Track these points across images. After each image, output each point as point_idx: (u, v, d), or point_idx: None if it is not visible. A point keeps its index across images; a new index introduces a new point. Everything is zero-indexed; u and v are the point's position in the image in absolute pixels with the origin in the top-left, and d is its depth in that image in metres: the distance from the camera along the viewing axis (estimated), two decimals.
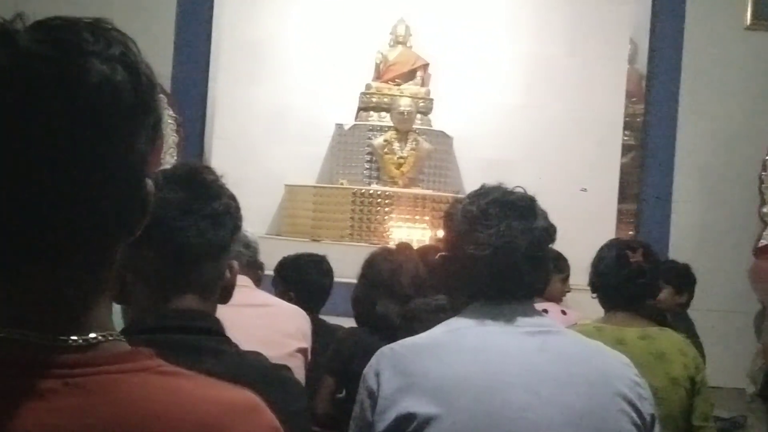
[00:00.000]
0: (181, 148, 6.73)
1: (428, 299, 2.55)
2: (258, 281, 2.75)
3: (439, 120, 8.16)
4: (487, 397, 1.47)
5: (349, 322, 3.22)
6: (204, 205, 1.29)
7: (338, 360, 2.90)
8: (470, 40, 8.22)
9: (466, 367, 1.50)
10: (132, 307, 1.28)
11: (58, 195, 0.72)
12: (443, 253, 1.67)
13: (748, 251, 6.48)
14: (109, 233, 0.75)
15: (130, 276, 1.21)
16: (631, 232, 7.20)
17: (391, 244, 6.02)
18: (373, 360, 1.55)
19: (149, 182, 0.77)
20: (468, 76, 8.20)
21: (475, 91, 8.16)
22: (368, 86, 8.20)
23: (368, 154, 7.91)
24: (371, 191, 7.55)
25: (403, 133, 7.80)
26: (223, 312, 1.39)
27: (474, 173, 7.08)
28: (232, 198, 1.36)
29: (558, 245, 1.75)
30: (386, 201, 7.47)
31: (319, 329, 2.94)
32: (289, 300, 3.01)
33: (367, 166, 7.92)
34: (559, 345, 1.57)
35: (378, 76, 8.28)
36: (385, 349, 1.56)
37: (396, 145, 7.79)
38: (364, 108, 8.17)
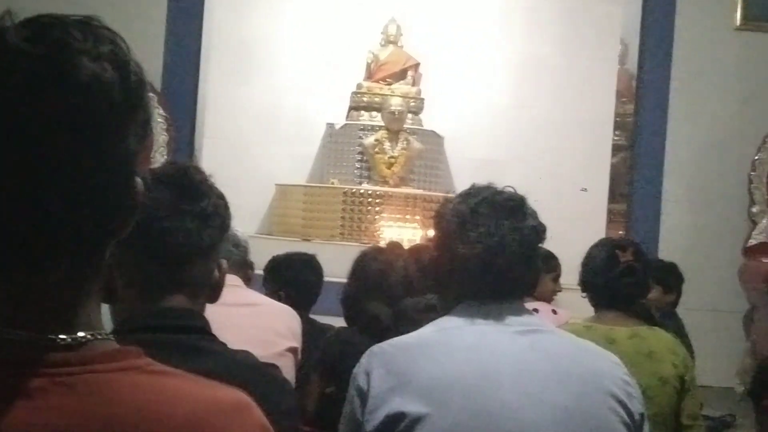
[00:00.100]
0: (172, 147, 6.71)
1: (418, 298, 2.56)
2: (248, 280, 2.74)
3: (429, 120, 8.17)
4: (478, 397, 1.47)
5: (339, 322, 3.22)
6: (192, 205, 1.29)
7: (327, 360, 2.90)
8: (461, 40, 8.23)
9: (456, 367, 1.50)
10: (120, 306, 1.28)
11: (47, 194, 0.71)
12: (433, 253, 1.67)
13: (737, 251, 6.51)
14: (98, 232, 0.75)
15: (119, 275, 1.20)
16: (621, 232, 7.22)
17: (382, 244, 6.03)
18: (363, 359, 1.55)
19: (139, 181, 0.77)
20: (459, 75, 8.21)
21: (466, 91, 8.17)
22: (359, 86, 8.20)
23: (359, 153, 7.91)
24: (362, 191, 7.55)
25: (394, 132, 7.80)
26: (213, 311, 1.39)
27: (465, 173, 7.08)
28: (221, 197, 1.36)
29: (548, 245, 1.76)
30: (377, 200, 7.48)
31: (310, 328, 2.94)
32: (279, 299, 3.01)
33: (357, 165, 7.92)
34: (549, 344, 1.57)
35: (369, 75, 8.28)
36: (375, 348, 1.56)
37: (387, 145, 7.80)
38: (355, 107, 8.17)
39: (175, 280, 1.30)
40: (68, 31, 0.73)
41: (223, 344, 1.33)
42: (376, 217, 7.43)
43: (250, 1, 8.11)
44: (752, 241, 6.53)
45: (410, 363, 1.51)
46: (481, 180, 1.69)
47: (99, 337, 0.75)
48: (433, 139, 8.10)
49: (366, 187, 7.66)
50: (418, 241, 6.25)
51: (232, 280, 2.34)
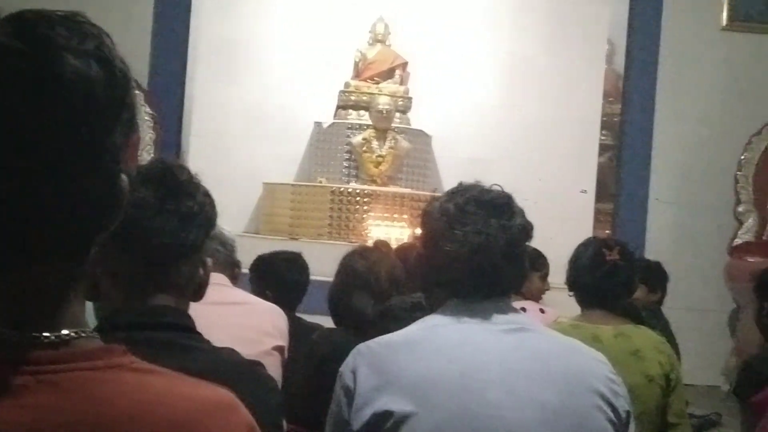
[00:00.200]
0: (159, 145, 6.69)
1: (405, 297, 2.56)
2: (235, 279, 2.74)
3: (417, 119, 8.17)
4: (464, 395, 1.47)
5: (327, 321, 3.22)
6: (177, 205, 1.29)
7: (314, 360, 2.89)
8: (449, 40, 8.24)
9: (443, 365, 1.50)
10: (105, 304, 1.27)
11: (31, 192, 0.71)
12: (420, 251, 1.67)
13: (723, 250, 6.54)
14: (83, 229, 0.75)
15: (103, 273, 1.20)
16: (608, 231, 7.25)
17: (369, 242, 6.03)
18: (350, 358, 1.55)
19: (124, 178, 0.77)
20: (447, 75, 8.22)
21: (454, 90, 8.19)
22: (347, 84, 8.20)
23: (347, 152, 7.91)
24: (350, 189, 7.55)
25: (381, 131, 7.80)
26: (199, 310, 1.38)
27: (452, 172, 7.09)
28: (207, 195, 1.35)
29: (536, 244, 1.76)
30: (365, 199, 7.48)
31: (296, 327, 2.93)
32: (266, 298, 3.00)
33: (345, 164, 7.92)
34: (536, 343, 1.57)
35: (357, 74, 8.28)
36: (362, 347, 1.56)
37: (375, 144, 7.80)
38: (342, 106, 8.17)
39: (159, 280, 1.30)
40: (53, 28, 0.72)
41: (208, 342, 1.33)
42: (364, 215, 7.43)
43: (238, 1, 8.09)
44: (738, 241, 6.57)
45: (396, 361, 1.51)
46: (469, 179, 1.69)
47: (83, 334, 0.74)
48: (421, 138, 8.11)
49: (354, 185, 7.66)
50: (405, 240, 6.26)
51: (218, 279, 2.34)
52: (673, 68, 6.88)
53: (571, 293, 2.61)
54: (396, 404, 1.46)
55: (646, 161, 6.91)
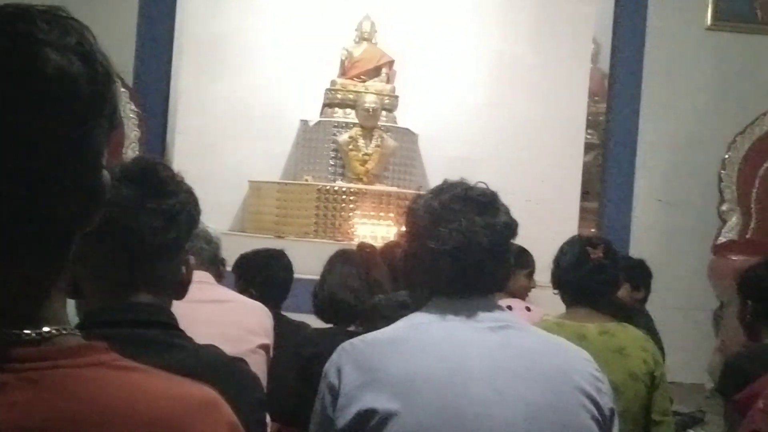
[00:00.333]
0: (144, 143, 6.66)
1: (390, 295, 2.57)
2: (220, 277, 2.73)
3: (404, 117, 8.17)
4: (448, 393, 1.47)
5: (313, 319, 3.22)
6: (158, 203, 1.28)
7: (300, 360, 2.90)
8: (436, 38, 8.24)
9: (428, 363, 1.50)
10: (86, 301, 1.27)
11: (12, 187, 0.70)
12: (405, 248, 1.67)
13: (707, 249, 6.58)
14: (63, 225, 0.74)
15: (84, 271, 1.19)
16: (593, 230, 7.27)
17: (356, 241, 6.02)
18: (334, 356, 1.55)
19: (105, 173, 0.76)
20: (433, 73, 8.22)
21: (440, 89, 8.19)
22: (333, 82, 8.19)
23: (333, 150, 7.90)
24: (336, 188, 7.55)
25: (368, 129, 7.80)
26: (184, 308, 1.38)
27: (439, 170, 7.10)
28: (190, 193, 1.35)
29: (522, 243, 1.76)
30: (351, 198, 7.47)
31: (282, 325, 2.93)
32: (250, 297, 3.00)
33: (331, 162, 7.91)
34: (521, 340, 1.58)
35: (343, 72, 8.27)
36: (346, 345, 1.56)
37: (361, 142, 7.79)
38: (329, 104, 8.16)
39: (141, 278, 1.29)
40: (33, 22, 0.72)
41: (190, 339, 1.32)
42: (350, 214, 7.43)
43: None
44: (722, 239, 6.60)
45: (381, 359, 1.50)
46: (455, 177, 1.69)
47: (64, 332, 0.74)
48: (408, 136, 8.11)
49: (340, 184, 7.66)
50: (391, 239, 6.25)
51: (203, 277, 2.33)
52: (658, 67, 6.91)
53: (556, 291, 2.62)
54: (380, 402, 1.46)
55: (630, 160, 6.94)
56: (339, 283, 3.00)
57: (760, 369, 2.23)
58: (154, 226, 1.27)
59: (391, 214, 7.30)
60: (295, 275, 3.53)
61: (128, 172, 1.28)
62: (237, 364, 1.39)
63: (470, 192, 1.61)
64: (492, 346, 1.54)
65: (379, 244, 4.80)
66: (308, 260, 3.94)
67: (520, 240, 1.69)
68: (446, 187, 1.64)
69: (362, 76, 8.21)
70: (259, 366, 2.28)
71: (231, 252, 3.26)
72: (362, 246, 3.79)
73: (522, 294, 4.17)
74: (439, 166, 7.55)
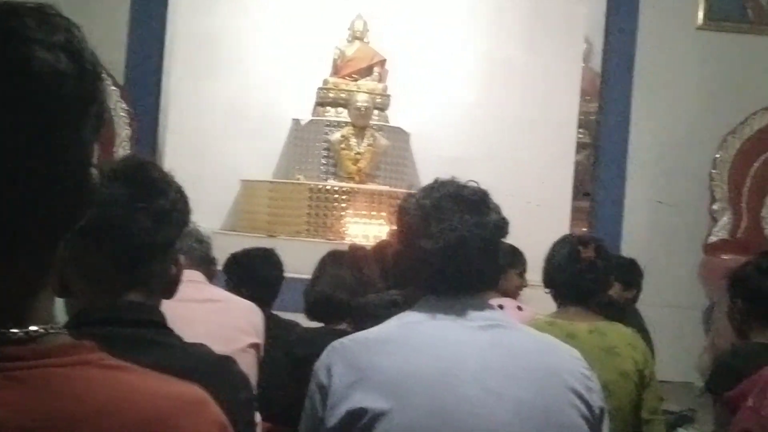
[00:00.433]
0: (135, 142, 6.64)
1: (381, 294, 2.57)
2: (211, 276, 2.73)
3: (396, 116, 8.17)
4: (439, 392, 1.47)
5: (304, 318, 3.22)
6: (148, 203, 1.27)
7: (291, 359, 2.90)
8: (427, 37, 8.24)
9: (418, 362, 1.50)
10: (75, 301, 1.26)
11: None
12: (396, 247, 1.67)
13: (698, 248, 6.60)
14: (51, 224, 0.74)
15: (73, 269, 1.19)
16: (584, 229, 7.29)
17: (348, 240, 6.02)
18: (324, 355, 1.55)
19: (94, 172, 0.76)
20: (425, 73, 8.22)
21: (432, 88, 8.19)
22: (325, 81, 8.18)
23: (325, 149, 7.89)
24: (328, 187, 7.54)
25: (360, 128, 7.79)
26: (174, 307, 1.37)
27: (430, 169, 7.08)
28: (180, 192, 1.34)
29: (513, 242, 1.77)
30: (343, 197, 7.47)
31: (272, 324, 2.93)
32: (241, 296, 2.99)
33: (323, 161, 7.90)
34: (511, 339, 1.58)
35: (335, 71, 8.27)
36: (336, 344, 1.56)
37: (353, 141, 7.79)
38: (321, 103, 8.15)
39: (130, 277, 1.29)
40: (21, 19, 0.71)
41: (179, 338, 1.32)
42: (342, 213, 7.42)
43: None
44: (713, 238, 6.62)
45: (371, 358, 1.50)
46: (447, 176, 1.69)
47: (52, 331, 0.73)
48: (400, 135, 8.11)
49: (332, 183, 7.65)
50: (383, 238, 6.25)
51: (194, 276, 2.33)
52: (649, 67, 6.93)
53: (547, 290, 2.62)
54: (370, 401, 1.45)
55: (622, 159, 6.96)
56: (332, 282, 3.01)
57: (749, 367, 2.23)
58: (143, 225, 1.26)
59: (383, 213, 7.30)
60: (288, 274, 3.52)
61: (118, 171, 1.28)
62: (226, 363, 1.39)
63: (461, 191, 1.61)
64: (482, 345, 1.54)
65: (371, 243, 4.80)
66: (300, 259, 3.94)
67: (511, 239, 1.69)
68: (437, 186, 1.64)
69: (354, 75, 8.20)
70: (249, 365, 2.28)
71: (223, 251, 3.25)
72: (354, 248, 3.79)
73: (514, 293, 4.17)
74: (431, 166, 7.55)
